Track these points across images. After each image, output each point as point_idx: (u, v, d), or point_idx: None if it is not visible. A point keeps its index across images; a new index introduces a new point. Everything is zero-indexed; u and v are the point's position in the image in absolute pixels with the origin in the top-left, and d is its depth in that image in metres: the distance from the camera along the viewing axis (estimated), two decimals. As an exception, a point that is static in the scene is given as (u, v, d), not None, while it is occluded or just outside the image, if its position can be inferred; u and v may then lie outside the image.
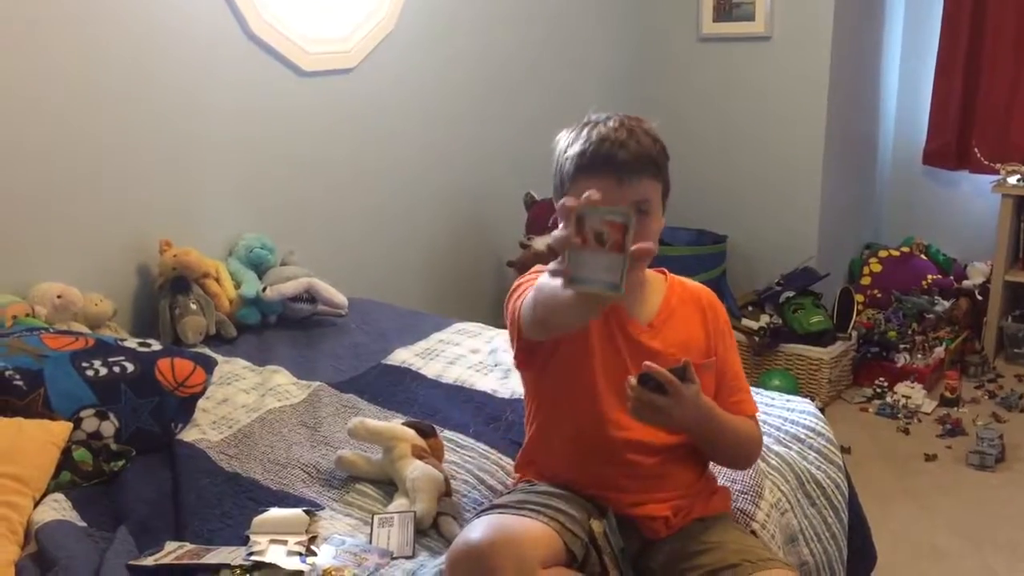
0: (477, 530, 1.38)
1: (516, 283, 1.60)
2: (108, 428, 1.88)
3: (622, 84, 4.16)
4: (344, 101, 3.04)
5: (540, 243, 3.22)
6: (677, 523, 1.55)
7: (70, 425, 1.83)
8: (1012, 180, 3.89)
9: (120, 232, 2.52)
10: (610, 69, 4.11)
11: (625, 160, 1.46)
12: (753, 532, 1.65)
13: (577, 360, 1.55)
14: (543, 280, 1.31)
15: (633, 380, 1.42)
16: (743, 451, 1.65)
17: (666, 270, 1.68)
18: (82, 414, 1.87)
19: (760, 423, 1.68)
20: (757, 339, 3.64)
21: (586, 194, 1.13)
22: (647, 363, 1.42)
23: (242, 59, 2.74)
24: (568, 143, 1.53)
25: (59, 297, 2.29)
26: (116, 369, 1.95)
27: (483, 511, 1.57)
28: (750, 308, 3.85)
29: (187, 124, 2.63)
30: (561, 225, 1.15)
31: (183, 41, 2.59)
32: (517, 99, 3.66)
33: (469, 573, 1.34)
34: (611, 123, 1.51)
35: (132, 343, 2.09)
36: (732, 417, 1.58)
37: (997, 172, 4.01)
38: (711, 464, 1.69)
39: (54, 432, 1.79)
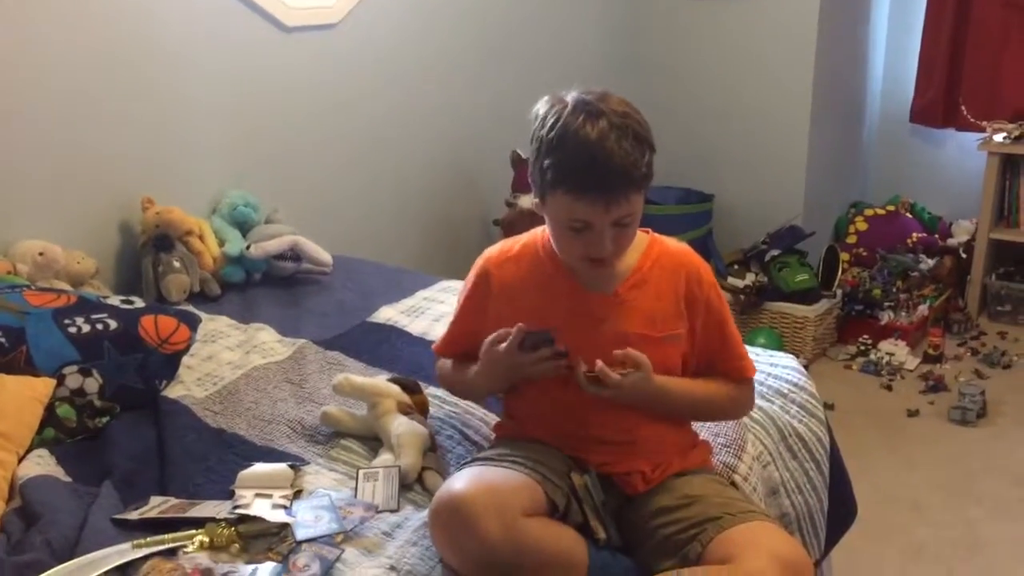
0: (459, 481, 1.40)
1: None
2: (92, 385, 1.87)
3: (612, 42, 4.12)
4: (328, 57, 3.01)
5: (526, 201, 3.21)
6: (655, 478, 1.56)
7: (53, 381, 1.83)
8: (998, 138, 3.89)
9: (102, 190, 2.50)
10: (600, 26, 4.07)
11: (613, 185, 1.41)
12: (734, 484, 1.67)
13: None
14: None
15: (581, 371, 1.50)
16: (717, 416, 1.71)
17: (650, 229, 1.64)
18: (65, 371, 1.86)
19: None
20: (743, 297, 3.65)
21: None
22: (598, 364, 1.48)
23: (224, 14, 2.70)
24: (550, 139, 1.44)
25: (41, 255, 2.27)
26: (99, 326, 1.94)
27: (465, 464, 1.58)
28: (736, 266, 3.86)
29: (169, 81, 2.60)
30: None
31: (163, -5, 2.55)
32: (505, 56, 3.62)
33: (452, 522, 1.35)
34: (600, 125, 1.40)
35: (115, 300, 2.09)
36: (696, 388, 1.60)
37: (984, 130, 4.01)
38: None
39: (37, 388, 1.79)
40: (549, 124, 1.45)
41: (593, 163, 1.41)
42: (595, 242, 1.47)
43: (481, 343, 1.59)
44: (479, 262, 1.67)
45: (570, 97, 1.47)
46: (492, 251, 1.67)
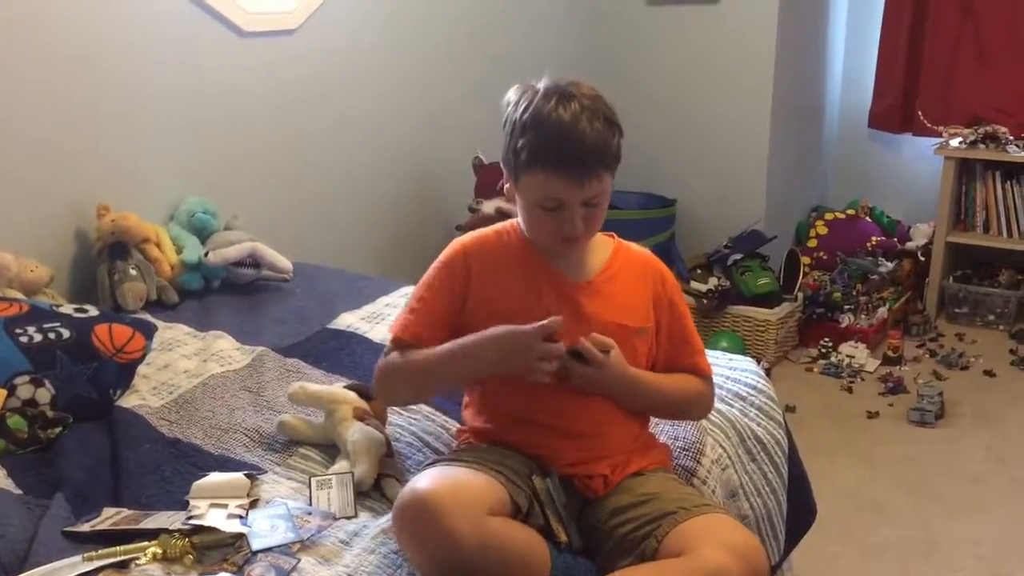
0: (424, 479, 1.39)
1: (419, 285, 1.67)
2: (44, 395, 1.84)
3: (571, 47, 4.13)
4: (287, 62, 2.99)
5: (488, 207, 3.21)
6: (615, 479, 1.57)
7: (4, 393, 1.80)
8: (954, 143, 3.95)
9: (57, 197, 2.46)
10: (560, 32, 4.08)
11: (587, 163, 1.47)
12: (693, 486, 1.67)
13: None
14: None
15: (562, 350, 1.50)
16: (683, 411, 1.73)
17: (614, 234, 1.70)
18: (16, 381, 1.83)
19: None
20: (705, 301, 3.67)
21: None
22: (582, 340, 1.51)
23: (180, 19, 2.67)
24: (524, 121, 1.50)
25: (-8, 263, 2.23)
26: (51, 335, 1.91)
27: (428, 465, 1.58)
28: (699, 271, 3.88)
29: (125, 86, 2.57)
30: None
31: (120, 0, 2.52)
32: (465, 61, 3.62)
33: (418, 519, 1.34)
34: (572, 107, 1.48)
35: (68, 309, 2.05)
36: (666, 381, 1.64)
37: (940, 135, 4.08)
38: (652, 423, 1.72)
39: (-13, 400, 1.76)
40: (523, 107, 1.51)
41: (568, 142, 1.47)
42: (567, 221, 1.51)
43: (450, 329, 1.59)
44: (453, 246, 1.66)
45: (541, 84, 1.54)
46: (466, 237, 1.67)
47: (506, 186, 1.59)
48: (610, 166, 1.52)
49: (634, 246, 1.71)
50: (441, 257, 1.67)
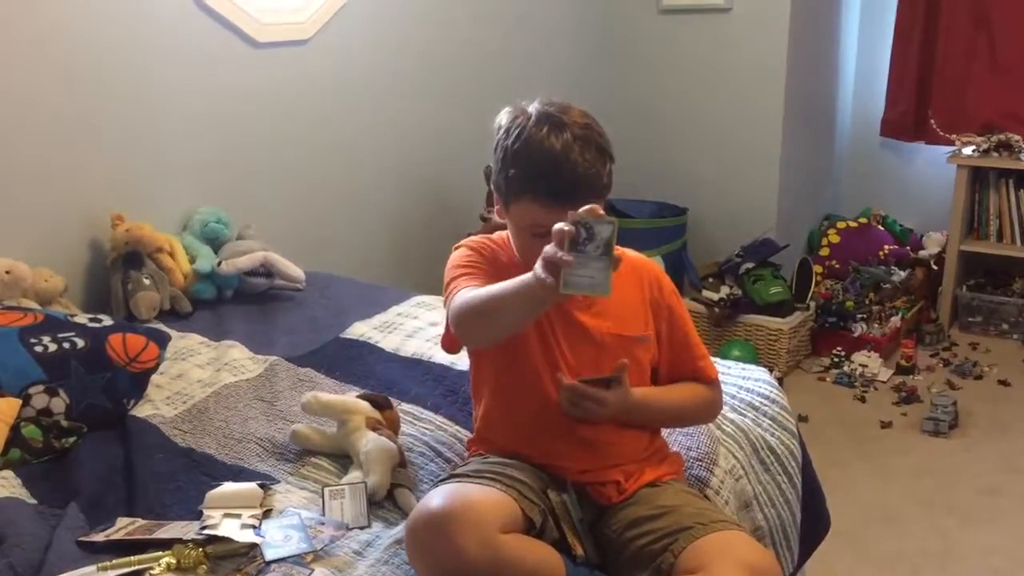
0: (436, 498, 1.39)
1: (451, 267, 1.62)
2: (58, 404, 1.85)
3: (583, 57, 4.14)
4: (300, 73, 3.00)
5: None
6: (629, 487, 1.56)
7: (19, 402, 1.81)
8: (967, 151, 3.94)
9: (71, 206, 2.48)
10: (571, 42, 4.08)
11: (577, 194, 1.44)
12: (706, 497, 1.67)
13: (512, 341, 1.55)
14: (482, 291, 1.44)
15: (564, 380, 1.50)
16: (690, 421, 1.75)
17: None
18: (31, 390, 1.84)
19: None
20: (717, 310, 3.66)
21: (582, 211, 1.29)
22: (577, 384, 1.50)
23: (194, 29, 2.69)
24: (514, 149, 1.49)
25: (7, 273, 2.24)
26: (66, 345, 1.93)
27: (440, 481, 1.58)
28: (711, 279, 3.87)
29: (139, 96, 2.58)
30: (554, 243, 1.28)
31: (133, 10, 2.53)
32: (477, 72, 3.63)
33: (429, 539, 1.34)
34: (564, 136, 1.46)
35: (83, 318, 2.07)
36: (672, 396, 1.65)
37: (952, 143, 4.06)
38: (663, 431, 1.72)
39: (2, 409, 1.77)
40: (514, 135, 1.50)
41: (558, 173, 1.46)
42: None
43: None
44: (466, 243, 1.64)
45: (532, 108, 1.52)
46: (473, 239, 1.66)
47: (497, 208, 1.59)
48: (601, 195, 1.50)
49: (630, 253, 1.67)
50: (460, 251, 1.63)
